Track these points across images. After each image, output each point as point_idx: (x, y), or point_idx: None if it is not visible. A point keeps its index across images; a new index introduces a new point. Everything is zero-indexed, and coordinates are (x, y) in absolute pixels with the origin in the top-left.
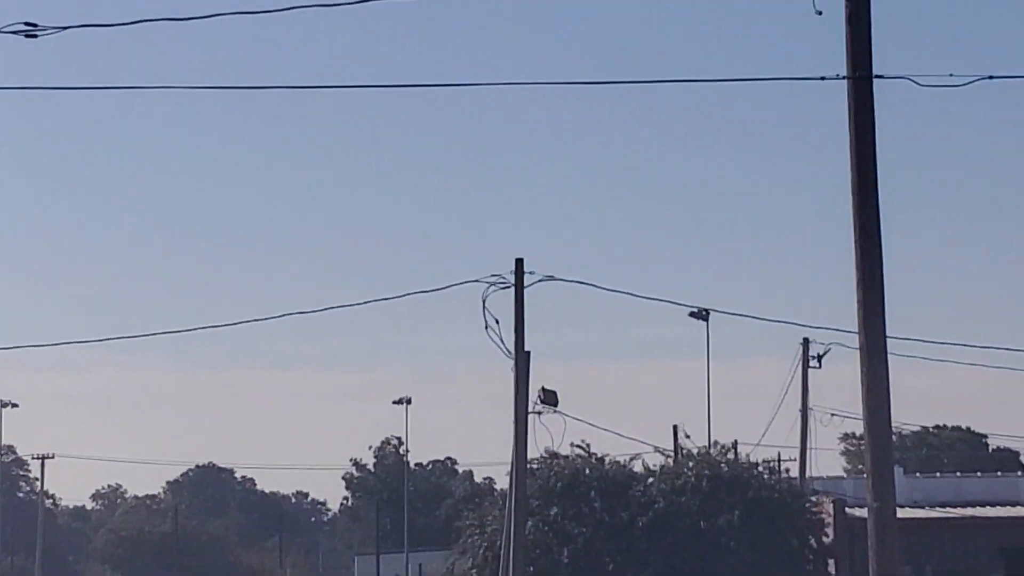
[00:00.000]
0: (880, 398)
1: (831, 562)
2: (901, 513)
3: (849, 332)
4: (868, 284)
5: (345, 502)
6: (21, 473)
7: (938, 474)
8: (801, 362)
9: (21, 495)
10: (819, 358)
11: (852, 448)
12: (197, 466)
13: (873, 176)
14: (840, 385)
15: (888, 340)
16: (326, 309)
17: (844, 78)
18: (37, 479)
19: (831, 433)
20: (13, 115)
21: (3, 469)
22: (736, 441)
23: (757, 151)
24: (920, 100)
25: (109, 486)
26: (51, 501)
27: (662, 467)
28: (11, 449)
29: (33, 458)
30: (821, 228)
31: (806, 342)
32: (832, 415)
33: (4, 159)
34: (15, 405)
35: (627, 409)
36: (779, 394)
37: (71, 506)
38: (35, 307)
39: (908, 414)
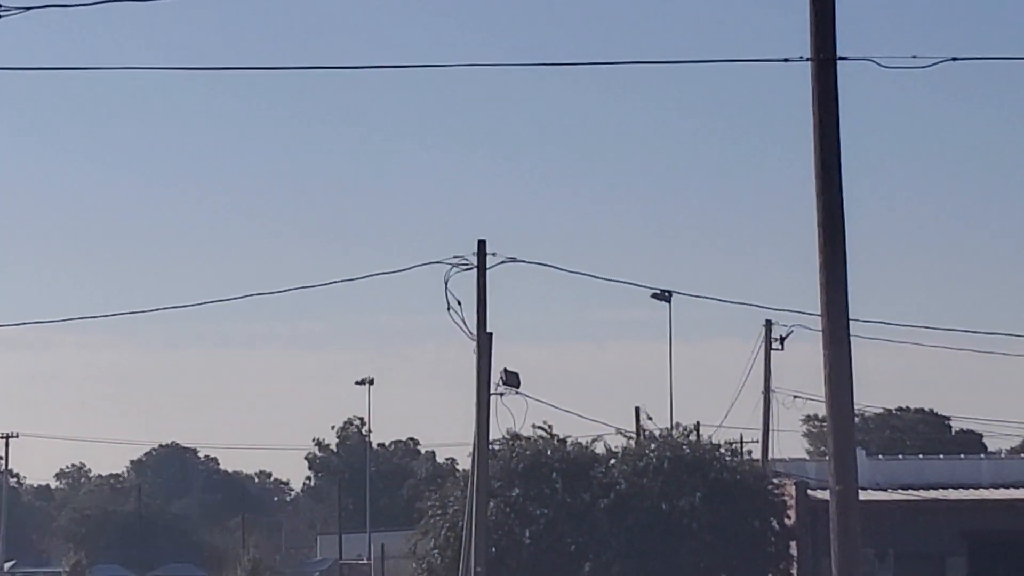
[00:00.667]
0: (842, 380)
1: (793, 544)
2: (863, 495)
3: (812, 314)
4: (831, 266)
5: (308, 482)
6: None
7: (901, 456)
8: (764, 344)
9: None
10: (782, 340)
11: (815, 430)
12: (160, 446)
13: (837, 158)
14: (803, 367)
15: (851, 322)
16: (288, 290)
17: (808, 60)
18: (1, 458)
19: (793, 415)
20: None
21: None
22: (698, 423)
23: (721, 132)
24: (883, 82)
25: (73, 465)
26: (15, 480)
27: (624, 449)
28: None
29: None
30: (785, 210)
31: (769, 324)
32: (795, 397)
33: None
34: None
35: (589, 391)
36: (741, 376)
37: (35, 485)
38: None
39: (870, 396)
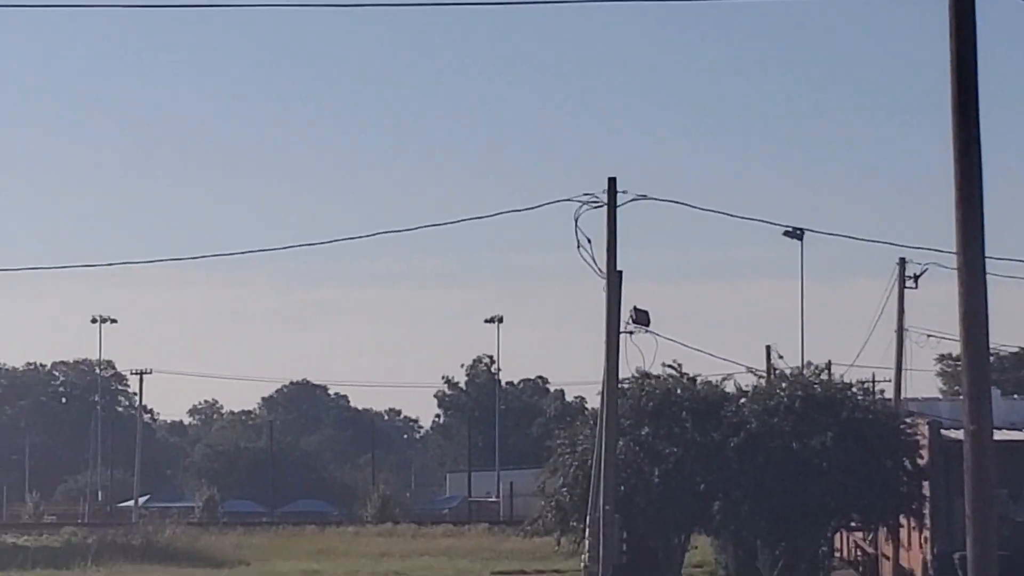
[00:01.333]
0: (978, 319)
1: (926, 484)
2: (998, 435)
3: (947, 252)
4: (967, 203)
5: (437, 420)
6: (120, 388)
7: None
8: (897, 282)
9: (120, 410)
10: (916, 278)
11: (948, 369)
12: (291, 383)
13: (974, 93)
14: (937, 305)
15: (987, 259)
16: (419, 228)
17: None
18: (135, 394)
19: (927, 354)
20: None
21: (102, 384)
22: (830, 362)
23: (854, 70)
24: (1023, 12)
25: (205, 401)
26: (149, 416)
27: (755, 388)
28: (110, 364)
29: (131, 373)
30: (920, 146)
31: (903, 262)
32: (928, 336)
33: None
34: (114, 321)
35: (719, 329)
36: (874, 315)
37: (168, 421)
38: (135, 224)
39: (1006, 335)
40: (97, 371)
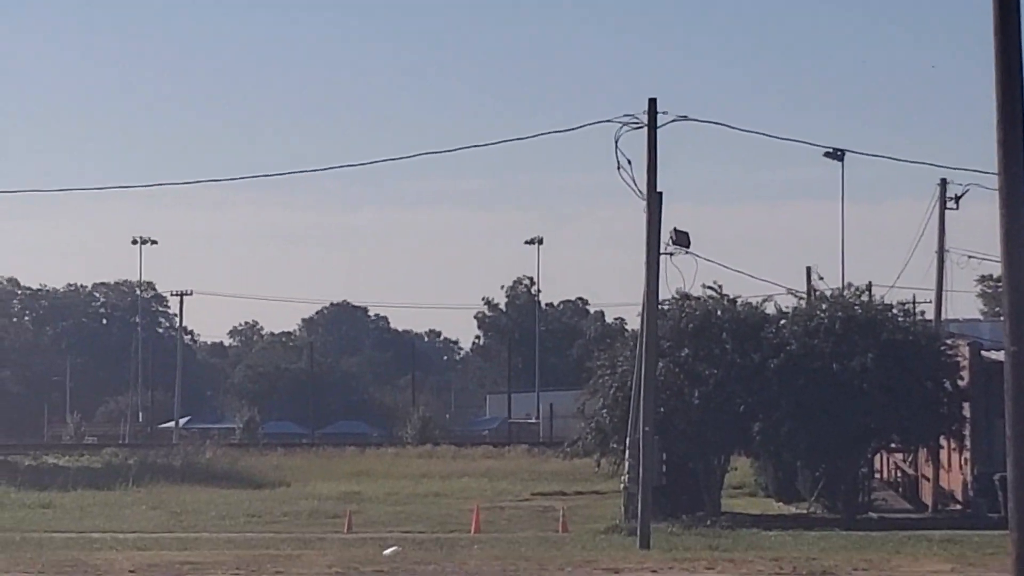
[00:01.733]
0: (1019, 240)
1: (966, 406)
2: None
3: (988, 173)
4: (1009, 123)
5: (477, 341)
6: (160, 309)
7: None
8: (938, 203)
9: (160, 331)
10: (957, 199)
11: (989, 290)
12: (331, 304)
13: (1016, 12)
14: (978, 226)
15: None
16: (459, 149)
17: None
18: (176, 315)
19: (968, 275)
20: None
21: (143, 305)
22: (870, 283)
23: None
24: None
25: (246, 323)
26: (189, 337)
27: (795, 309)
28: (151, 285)
29: (172, 294)
30: (960, 65)
31: (943, 183)
32: (969, 257)
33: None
34: (154, 242)
35: (760, 251)
36: (915, 236)
37: (209, 342)
38: (174, 145)
39: None
40: (138, 292)
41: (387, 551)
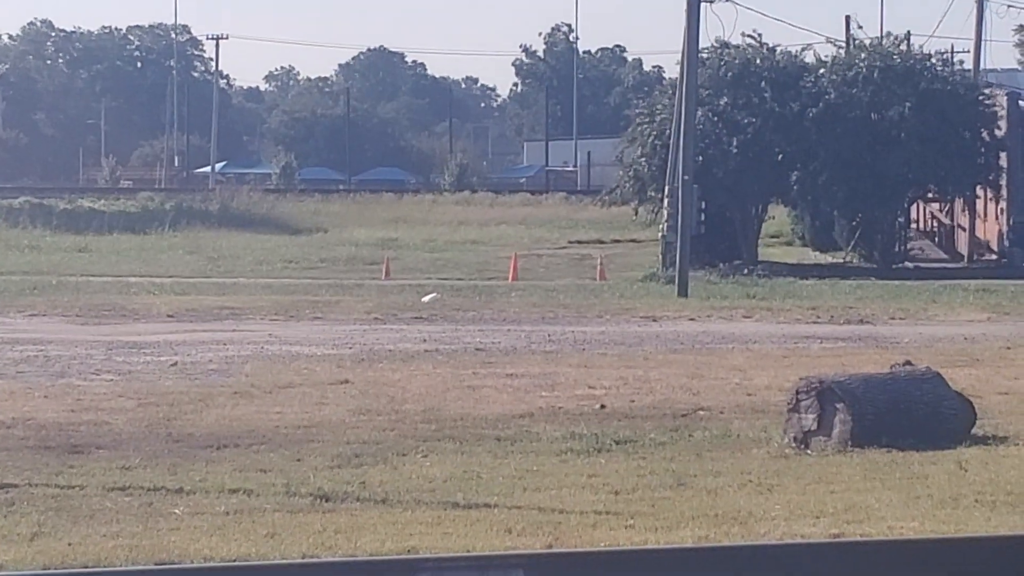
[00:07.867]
0: None
1: (1003, 155)
2: None
3: None
4: None
5: (515, 88)
6: (195, 53)
7: None
8: None
9: (196, 75)
10: None
11: None
12: (368, 49)
13: None
14: None
15: None
16: None
17: None
18: (211, 59)
19: (1007, 25)
20: None
21: (178, 49)
22: (909, 32)
23: None
24: None
25: (282, 67)
26: (225, 82)
27: (834, 58)
28: (186, 29)
29: (207, 38)
30: None
31: None
32: (1008, 7)
33: None
34: None
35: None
36: None
37: (244, 87)
38: None
39: None
40: (173, 35)
41: (426, 298)
